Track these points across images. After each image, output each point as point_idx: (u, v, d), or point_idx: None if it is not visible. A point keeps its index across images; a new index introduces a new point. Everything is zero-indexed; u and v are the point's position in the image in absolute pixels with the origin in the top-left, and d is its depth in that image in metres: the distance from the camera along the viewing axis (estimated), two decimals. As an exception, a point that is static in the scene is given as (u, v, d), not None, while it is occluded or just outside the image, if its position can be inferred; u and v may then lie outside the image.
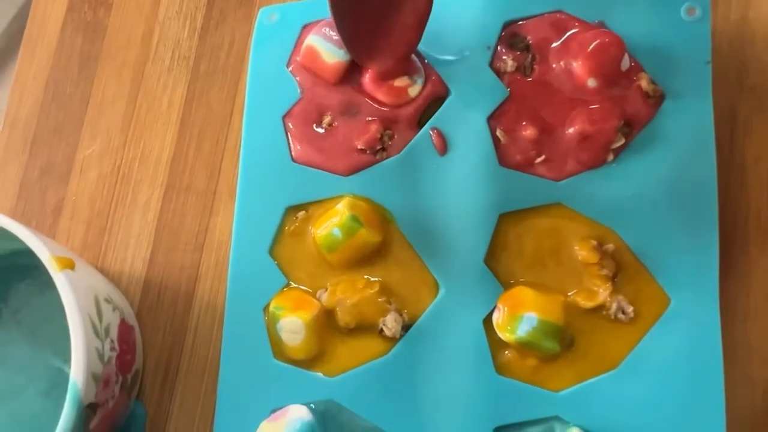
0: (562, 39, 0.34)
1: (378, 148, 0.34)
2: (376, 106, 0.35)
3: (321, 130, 0.35)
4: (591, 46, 0.33)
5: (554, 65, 0.34)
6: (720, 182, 0.33)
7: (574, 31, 0.34)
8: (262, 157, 0.35)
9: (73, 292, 0.29)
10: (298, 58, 0.36)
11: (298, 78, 0.36)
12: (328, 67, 0.35)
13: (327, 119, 0.35)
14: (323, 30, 0.35)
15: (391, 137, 0.34)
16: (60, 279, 0.29)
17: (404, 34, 0.33)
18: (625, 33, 0.33)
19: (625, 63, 0.33)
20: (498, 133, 0.34)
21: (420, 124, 0.35)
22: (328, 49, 0.35)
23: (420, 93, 0.34)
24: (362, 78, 0.35)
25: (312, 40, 0.35)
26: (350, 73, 0.35)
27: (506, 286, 0.32)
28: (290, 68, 0.36)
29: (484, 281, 0.32)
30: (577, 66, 0.33)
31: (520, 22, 0.35)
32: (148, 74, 0.40)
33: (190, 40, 0.40)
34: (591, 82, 0.33)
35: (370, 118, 0.35)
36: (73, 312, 0.28)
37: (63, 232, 0.39)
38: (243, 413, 0.32)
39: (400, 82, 0.34)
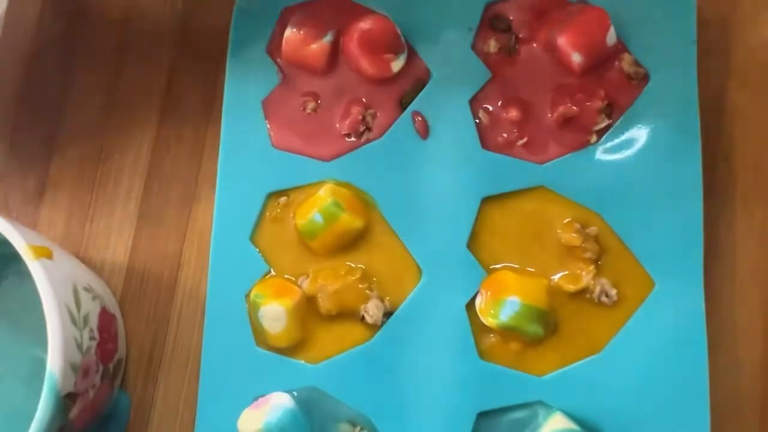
0: (546, 17, 0.34)
1: (362, 129, 0.34)
2: (358, 78, 0.34)
3: (301, 115, 0.34)
4: (576, 19, 0.32)
5: (537, 44, 0.34)
6: (705, 163, 0.32)
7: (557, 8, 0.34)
8: (243, 143, 0.34)
9: (49, 280, 0.28)
10: (279, 60, 0.35)
11: (277, 62, 0.35)
12: (311, 54, 0.34)
13: (311, 105, 0.34)
14: (299, 17, 0.34)
15: (374, 116, 0.34)
16: (35, 267, 0.29)
17: None
18: (608, 11, 0.32)
19: (612, 37, 0.32)
20: (480, 115, 0.33)
21: (402, 106, 0.34)
22: (307, 36, 0.34)
23: (402, 70, 0.34)
24: (348, 44, 0.34)
25: (290, 31, 0.34)
26: (334, 54, 0.34)
27: (489, 270, 0.32)
28: (270, 53, 0.35)
29: (466, 266, 0.32)
30: (562, 41, 0.32)
31: (502, 3, 0.34)
32: (128, 59, 0.39)
33: (171, 24, 0.39)
34: (576, 57, 0.32)
35: (351, 101, 0.34)
36: (48, 301, 0.28)
37: (44, 221, 0.38)
38: (225, 401, 0.32)
39: (385, 55, 0.34)
